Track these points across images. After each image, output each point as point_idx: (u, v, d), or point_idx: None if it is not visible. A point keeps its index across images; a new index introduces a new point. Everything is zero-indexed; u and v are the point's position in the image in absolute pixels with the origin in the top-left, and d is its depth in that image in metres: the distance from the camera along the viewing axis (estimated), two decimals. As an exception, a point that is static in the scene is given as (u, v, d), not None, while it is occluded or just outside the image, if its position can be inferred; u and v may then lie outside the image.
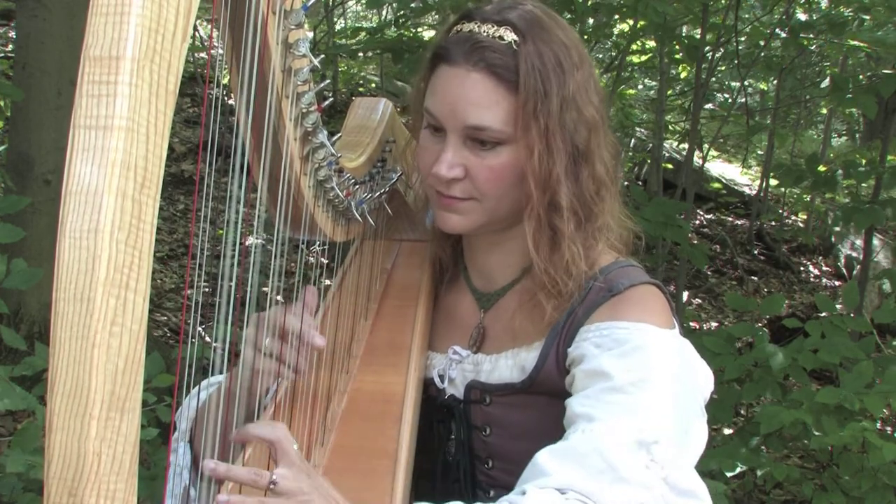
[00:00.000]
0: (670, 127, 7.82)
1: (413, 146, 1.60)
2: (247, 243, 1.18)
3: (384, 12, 8.46)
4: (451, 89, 1.42)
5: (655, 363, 1.33)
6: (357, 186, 1.51)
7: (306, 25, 1.17)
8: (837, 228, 8.17)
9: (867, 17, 4.92)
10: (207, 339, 1.31)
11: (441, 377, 1.56)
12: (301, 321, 1.38)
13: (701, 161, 6.72)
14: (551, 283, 1.44)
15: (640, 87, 9.93)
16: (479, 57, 1.39)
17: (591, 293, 1.44)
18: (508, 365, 1.49)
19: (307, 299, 1.39)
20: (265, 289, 1.34)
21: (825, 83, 7.90)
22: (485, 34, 1.40)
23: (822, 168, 4.88)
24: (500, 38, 1.40)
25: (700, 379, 1.41)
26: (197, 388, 1.43)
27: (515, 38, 1.40)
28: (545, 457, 1.24)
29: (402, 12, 5.22)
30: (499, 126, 1.40)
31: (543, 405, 1.45)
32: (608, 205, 1.47)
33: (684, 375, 1.37)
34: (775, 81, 8.00)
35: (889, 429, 4.46)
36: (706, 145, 7.27)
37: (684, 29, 6.10)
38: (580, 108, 1.42)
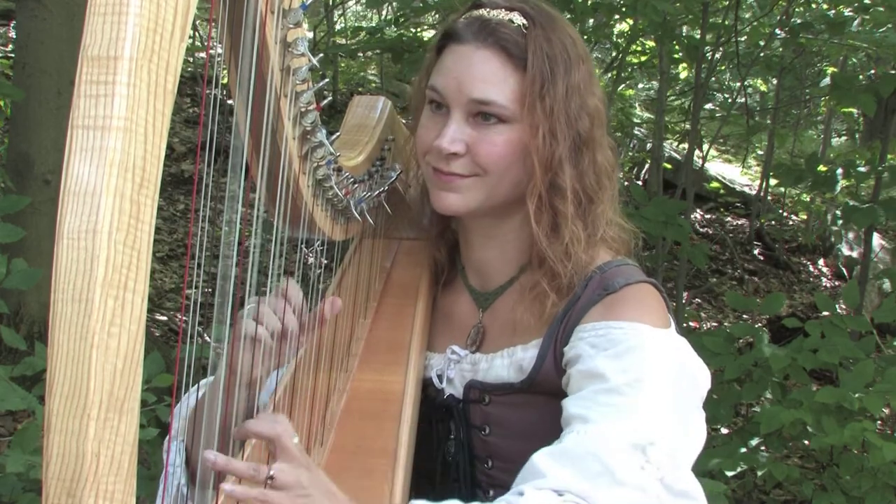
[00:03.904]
0: (670, 127, 7.82)
1: (412, 144, 1.61)
2: (245, 244, 1.17)
3: (384, 12, 8.46)
4: (459, 65, 1.44)
5: (651, 364, 1.33)
6: (356, 185, 1.51)
7: (305, 24, 1.17)
8: (835, 228, 8.17)
9: (867, 17, 4.91)
10: (207, 339, 1.31)
11: (439, 377, 1.55)
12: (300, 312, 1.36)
13: (701, 161, 6.72)
14: (552, 264, 1.45)
15: (640, 86, 9.93)
16: (489, 33, 1.43)
17: (587, 290, 1.44)
18: (504, 364, 1.49)
19: (289, 293, 1.36)
20: (265, 289, 1.34)
21: (825, 81, 7.90)
22: (495, 16, 1.45)
23: (822, 168, 4.88)
24: (511, 21, 1.44)
25: (697, 377, 1.41)
26: (194, 387, 1.43)
27: (525, 21, 1.44)
28: (541, 458, 1.24)
29: (401, 12, 5.22)
30: (504, 102, 1.42)
31: (542, 404, 1.45)
32: (608, 194, 1.49)
33: (680, 375, 1.37)
34: (775, 81, 8.00)
35: (889, 429, 4.46)
36: (706, 145, 7.27)
37: (684, 29, 6.10)
38: (584, 96, 1.45)
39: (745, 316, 6.97)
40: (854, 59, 7.76)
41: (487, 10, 1.46)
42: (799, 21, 5.39)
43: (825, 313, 3.87)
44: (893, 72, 5.05)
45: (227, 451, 1.29)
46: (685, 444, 1.31)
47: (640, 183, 8.09)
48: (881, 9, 4.69)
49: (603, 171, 1.48)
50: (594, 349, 1.36)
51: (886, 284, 5.32)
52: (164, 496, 1.41)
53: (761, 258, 8.64)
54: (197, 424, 1.38)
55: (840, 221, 5.15)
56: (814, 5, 5.83)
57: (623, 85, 7.31)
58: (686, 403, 1.35)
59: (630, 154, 8.81)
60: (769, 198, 9.38)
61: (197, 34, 6.71)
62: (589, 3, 4.53)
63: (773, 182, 8.59)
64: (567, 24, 1.50)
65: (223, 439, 1.25)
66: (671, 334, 1.41)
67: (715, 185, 9.46)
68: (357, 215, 1.53)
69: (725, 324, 7.10)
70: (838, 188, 5.07)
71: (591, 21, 5.05)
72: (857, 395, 3.37)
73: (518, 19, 1.44)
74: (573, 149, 1.45)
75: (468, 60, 1.43)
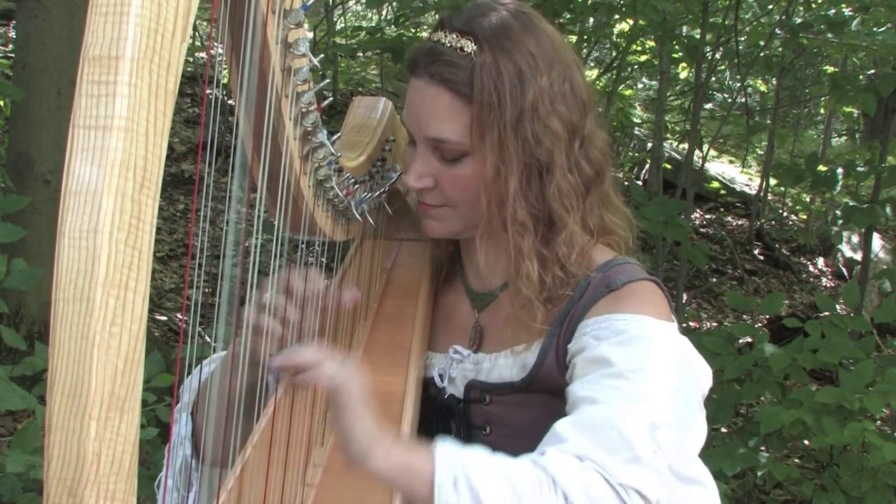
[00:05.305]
0: (670, 127, 7.82)
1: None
2: (246, 244, 1.18)
3: (384, 12, 8.46)
4: (415, 102, 1.44)
5: (655, 352, 1.33)
6: (357, 186, 1.51)
7: (306, 25, 1.17)
8: (836, 228, 8.18)
9: (867, 17, 4.92)
10: (207, 339, 1.31)
11: (441, 376, 1.56)
12: (310, 285, 1.39)
13: (701, 161, 6.72)
14: (521, 296, 1.44)
15: (639, 86, 9.93)
16: (436, 70, 1.40)
17: (589, 290, 1.44)
18: (508, 363, 1.49)
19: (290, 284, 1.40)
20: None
21: (825, 79, 7.90)
22: (447, 45, 1.41)
23: (822, 168, 4.88)
24: (461, 48, 1.40)
25: (699, 374, 1.41)
26: (206, 359, 1.43)
27: (475, 48, 1.39)
28: (563, 425, 1.25)
29: (401, 12, 5.22)
30: (457, 138, 1.40)
31: (542, 403, 1.45)
32: (577, 215, 1.45)
33: (683, 367, 1.37)
34: (775, 81, 8.00)
35: (889, 429, 4.46)
36: (706, 145, 7.27)
37: (684, 29, 6.10)
38: (542, 118, 1.39)
39: (745, 316, 6.98)
40: (854, 59, 7.76)
41: (445, 33, 1.42)
42: (799, 21, 5.40)
43: (825, 313, 3.87)
44: (893, 72, 5.05)
45: (236, 425, 1.30)
46: (689, 433, 1.31)
47: (640, 183, 8.10)
48: (881, 9, 4.69)
49: (566, 194, 1.43)
50: (598, 340, 1.36)
51: (886, 284, 5.31)
52: (171, 469, 1.42)
53: (761, 258, 8.65)
54: (206, 398, 1.38)
55: (840, 221, 5.14)
56: (814, 5, 5.83)
57: (623, 85, 7.31)
58: (689, 396, 1.35)
59: (630, 154, 8.81)
60: (769, 198, 9.39)
61: (197, 34, 6.71)
62: (589, 2, 4.54)
63: (773, 182, 8.60)
64: (535, 35, 1.42)
65: (230, 414, 1.25)
66: (674, 328, 1.41)
67: (715, 185, 9.47)
68: (358, 216, 1.53)
69: (725, 324, 7.11)
70: (838, 188, 5.07)
71: (591, 21, 5.06)
72: (857, 395, 3.38)
73: (469, 46, 1.39)
74: (535, 176, 1.41)
75: (421, 97, 1.42)
